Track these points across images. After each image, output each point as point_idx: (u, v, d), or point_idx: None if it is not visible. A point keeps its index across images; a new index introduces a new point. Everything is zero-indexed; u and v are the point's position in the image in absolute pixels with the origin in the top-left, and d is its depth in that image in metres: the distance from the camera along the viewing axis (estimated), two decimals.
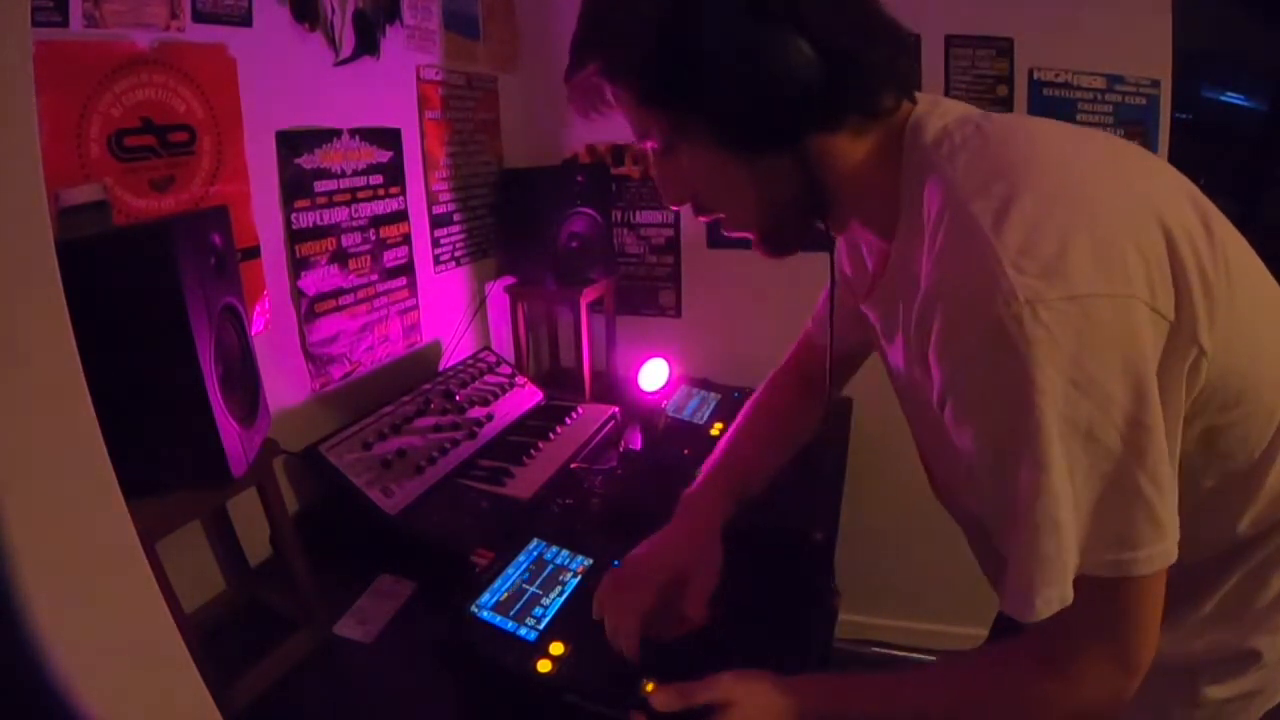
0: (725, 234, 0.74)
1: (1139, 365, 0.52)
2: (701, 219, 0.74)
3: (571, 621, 0.86)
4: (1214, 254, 0.56)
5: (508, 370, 1.68)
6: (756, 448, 0.97)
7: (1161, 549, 0.54)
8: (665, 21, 0.61)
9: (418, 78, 1.58)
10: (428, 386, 1.48)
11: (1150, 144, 1.76)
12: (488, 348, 1.78)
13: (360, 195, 1.42)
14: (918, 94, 0.68)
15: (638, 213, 2.08)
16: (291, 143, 1.25)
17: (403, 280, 1.56)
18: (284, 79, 1.23)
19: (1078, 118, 1.76)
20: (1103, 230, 0.53)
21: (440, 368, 1.66)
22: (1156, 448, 0.53)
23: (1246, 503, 0.64)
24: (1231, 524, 0.65)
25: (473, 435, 1.42)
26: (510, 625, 0.85)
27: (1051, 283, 0.51)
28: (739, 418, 1.02)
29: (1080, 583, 0.54)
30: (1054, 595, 0.54)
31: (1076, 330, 0.50)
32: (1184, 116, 1.80)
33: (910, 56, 0.68)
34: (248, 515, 1.07)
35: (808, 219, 0.72)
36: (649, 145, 0.71)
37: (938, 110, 0.65)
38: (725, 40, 0.59)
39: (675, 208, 0.75)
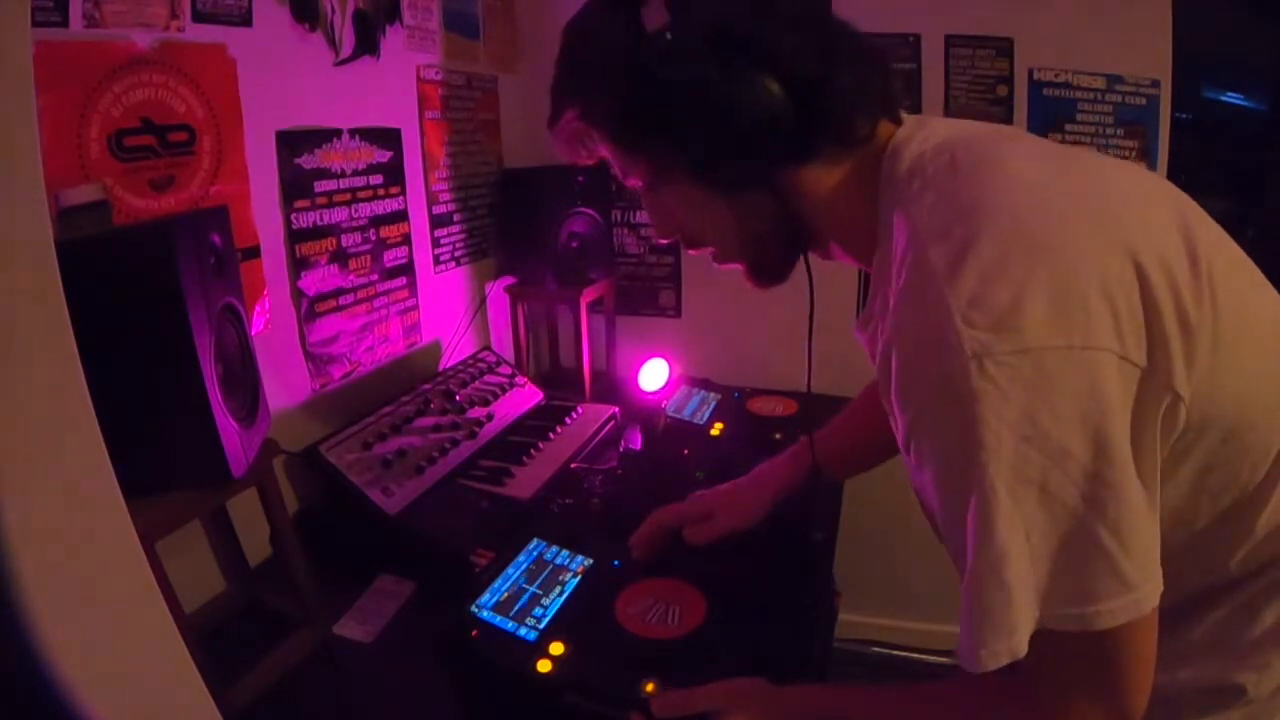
0: (717, 265, 0.75)
1: (1098, 418, 0.50)
2: (692, 252, 0.75)
3: (571, 621, 0.86)
4: (1198, 289, 0.54)
5: (508, 370, 1.68)
6: (843, 436, 1.03)
7: (1126, 601, 0.52)
8: (632, 67, 0.62)
9: (418, 78, 1.58)
10: (428, 386, 1.48)
11: (1150, 144, 1.76)
12: (488, 348, 1.78)
13: (360, 195, 1.42)
14: (906, 115, 0.67)
15: (638, 213, 2.08)
16: (291, 143, 1.25)
17: (403, 280, 1.56)
18: (284, 79, 1.23)
19: (1077, 118, 1.76)
20: (1065, 278, 0.51)
21: (440, 368, 1.66)
22: (1120, 500, 0.51)
23: (1239, 540, 0.63)
24: (1224, 560, 0.64)
25: (473, 435, 1.42)
26: (510, 625, 0.85)
27: (1001, 336, 0.49)
28: (852, 403, 1.07)
29: (1052, 636, 0.53)
30: (1001, 649, 0.53)
31: (1027, 385, 0.49)
32: (1184, 116, 1.80)
33: (886, 77, 0.67)
34: (248, 515, 1.07)
35: (791, 249, 0.73)
36: (633, 183, 0.72)
37: (919, 135, 0.63)
38: (691, 84, 0.60)
39: (664, 242, 0.77)
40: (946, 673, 1.16)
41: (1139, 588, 0.52)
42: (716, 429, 1.52)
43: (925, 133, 0.63)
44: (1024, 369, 0.49)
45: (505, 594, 0.90)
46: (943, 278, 0.52)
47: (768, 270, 0.74)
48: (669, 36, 0.60)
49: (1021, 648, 0.53)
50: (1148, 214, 0.58)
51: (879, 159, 0.64)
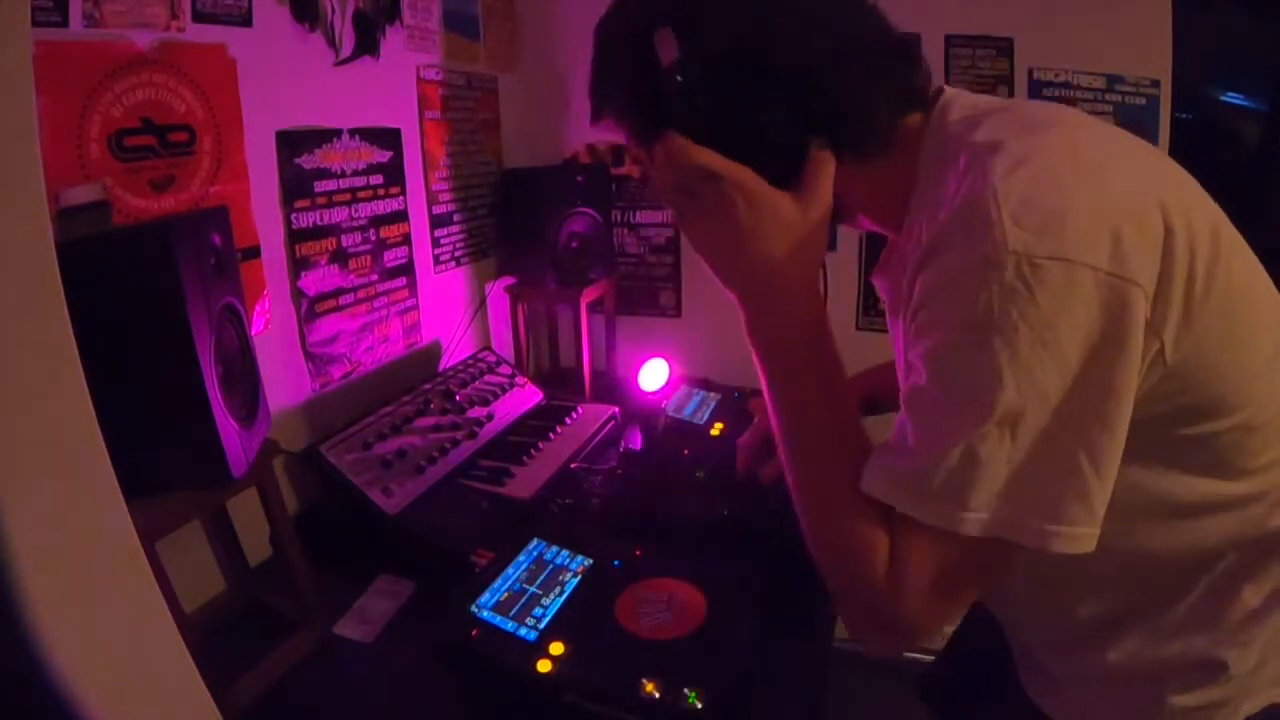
0: None
1: (1114, 347, 0.53)
2: None
3: (571, 621, 0.86)
4: (1213, 265, 0.56)
5: (508, 370, 1.67)
6: (892, 369, 1.02)
7: (1086, 532, 0.54)
8: (647, 102, 0.65)
9: (418, 78, 1.58)
10: (428, 386, 1.48)
11: (1150, 144, 1.76)
12: (488, 348, 1.78)
13: (360, 195, 1.42)
14: (946, 88, 0.69)
15: (638, 213, 2.08)
16: (291, 143, 1.25)
17: (403, 280, 1.56)
18: (284, 79, 1.23)
19: None
20: (1108, 206, 0.54)
21: (440, 368, 1.66)
22: (1109, 435, 0.54)
23: (1220, 520, 0.65)
24: (1204, 535, 0.65)
25: (473, 435, 1.42)
26: (510, 625, 0.85)
27: (1044, 240, 0.52)
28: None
29: (942, 534, 0.56)
30: (905, 499, 0.57)
31: (1055, 291, 0.51)
32: (1184, 116, 1.80)
33: (907, 66, 0.68)
34: (248, 515, 1.07)
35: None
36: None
37: (962, 98, 0.67)
38: (703, 120, 0.63)
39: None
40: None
41: (1097, 525, 0.55)
42: (716, 429, 1.52)
43: (969, 96, 0.67)
44: (1056, 275, 0.51)
45: (505, 594, 0.90)
46: (998, 178, 0.54)
47: None
48: (679, 79, 0.62)
49: (960, 525, 0.55)
50: (1185, 186, 0.61)
51: (912, 135, 0.67)
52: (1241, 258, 0.61)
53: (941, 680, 1.13)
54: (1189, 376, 0.58)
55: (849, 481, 0.62)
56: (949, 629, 0.60)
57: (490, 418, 1.49)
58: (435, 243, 1.68)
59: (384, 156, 1.48)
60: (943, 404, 0.57)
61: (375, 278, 1.48)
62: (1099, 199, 0.54)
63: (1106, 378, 0.53)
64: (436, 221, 1.67)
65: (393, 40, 1.48)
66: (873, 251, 1.88)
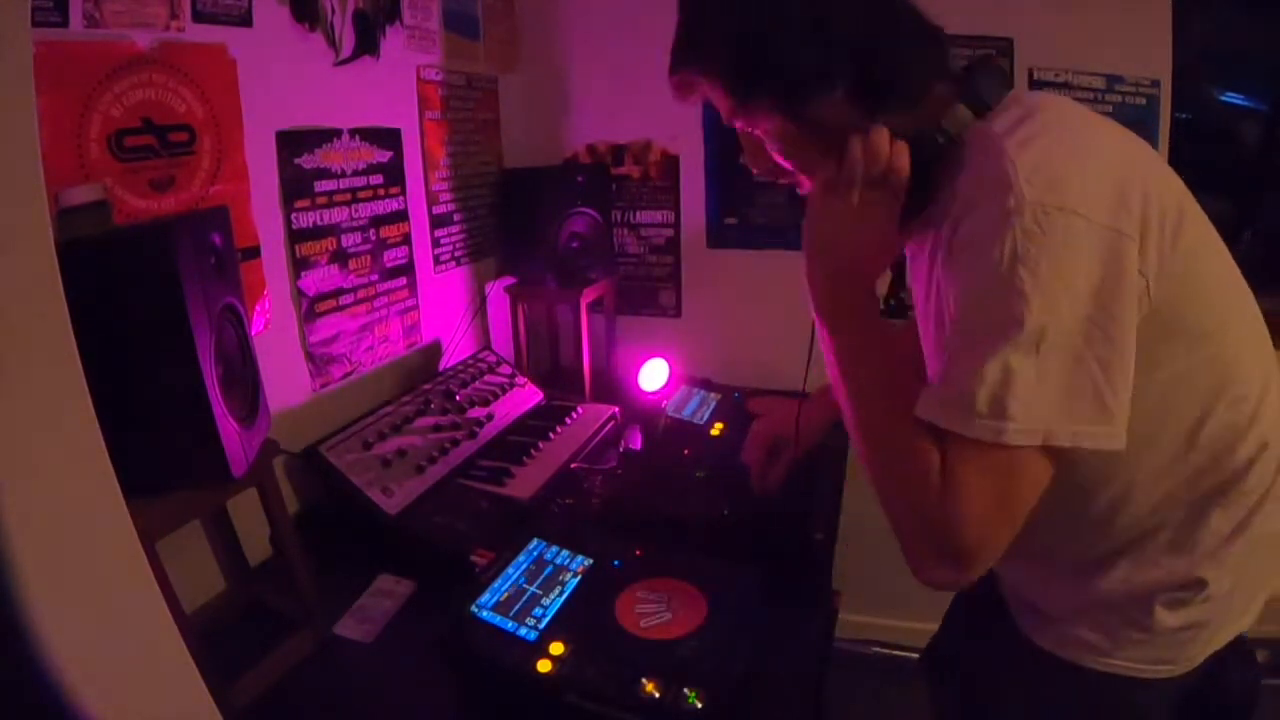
0: (800, 193, 0.88)
1: (1113, 283, 0.64)
2: (781, 182, 0.89)
3: (571, 621, 0.86)
4: (1179, 225, 0.69)
5: (508, 370, 1.68)
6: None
7: (1104, 431, 0.65)
8: (745, 37, 0.75)
9: (418, 78, 1.59)
10: (428, 386, 1.48)
11: (1150, 144, 1.76)
12: (488, 348, 1.78)
13: (360, 195, 1.42)
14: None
15: (638, 213, 2.08)
16: (291, 143, 1.25)
17: (403, 280, 1.56)
18: (284, 79, 1.23)
19: None
20: (1105, 174, 0.66)
21: (440, 368, 1.66)
22: (1116, 353, 0.65)
23: (1192, 457, 0.75)
24: (1180, 474, 0.76)
25: (473, 435, 1.42)
26: (510, 625, 0.85)
27: (1052, 195, 0.64)
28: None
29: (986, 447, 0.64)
30: (954, 417, 0.66)
31: (1064, 236, 0.63)
32: (1184, 116, 1.80)
33: (940, 46, 0.81)
34: (248, 515, 1.07)
35: None
36: (739, 126, 0.84)
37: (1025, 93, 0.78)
38: (786, 52, 0.74)
39: (758, 174, 0.89)
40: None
41: (1120, 427, 0.65)
42: (716, 429, 1.52)
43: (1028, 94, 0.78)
44: (1063, 221, 0.63)
45: (505, 594, 0.90)
46: (1013, 152, 0.66)
47: None
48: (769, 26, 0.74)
49: (1003, 436, 0.64)
50: (1155, 161, 0.75)
51: (947, 105, 0.77)
52: (1198, 220, 0.74)
53: (941, 650, 1.20)
54: (1166, 313, 0.69)
55: (903, 414, 0.71)
56: (994, 559, 0.68)
57: (490, 418, 1.49)
58: (435, 243, 1.68)
59: (384, 156, 1.48)
60: (978, 332, 0.66)
61: (375, 278, 1.48)
62: (1095, 168, 0.67)
63: (1111, 306, 0.64)
64: (436, 221, 1.67)
65: (393, 40, 1.48)
66: None
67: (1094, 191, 0.65)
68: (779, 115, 0.78)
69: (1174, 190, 0.72)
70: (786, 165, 0.84)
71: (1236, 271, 0.80)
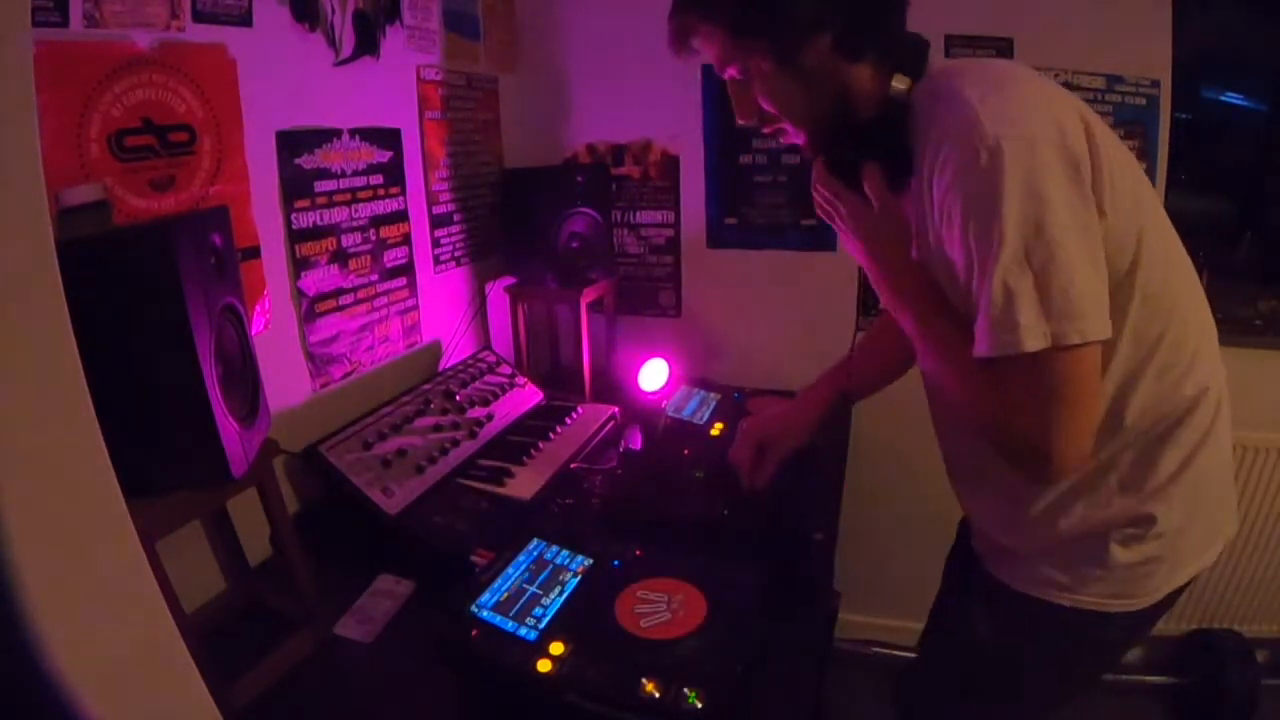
0: (783, 141, 0.97)
1: (1075, 198, 0.72)
2: (766, 130, 0.94)
3: (571, 621, 0.86)
4: (1115, 160, 0.77)
5: (508, 370, 1.68)
6: (865, 360, 1.21)
7: (1102, 323, 0.72)
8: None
9: (418, 78, 1.59)
10: (428, 386, 1.48)
11: (1150, 144, 1.76)
12: (488, 348, 1.78)
13: (360, 195, 1.42)
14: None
15: (638, 213, 2.08)
16: (291, 143, 1.25)
17: (403, 280, 1.56)
18: (284, 79, 1.23)
19: None
20: (1052, 110, 0.76)
21: (440, 368, 1.66)
22: (1090, 259, 0.72)
23: (1141, 396, 0.83)
24: (1130, 414, 0.84)
25: (473, 435, 1.42)
26: (510, 625, 0.85)
27: (1013, 128, 0.72)
28: (869, 334, 1.28)
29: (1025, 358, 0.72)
30: (983, 346, 0.74)
31: (1028, 153, 0.71)
32: (1184, 116, 1.79)
33: (905, 6, 0.89)
34: (248, 515, 1.07)
35: (842, 132, 0.90)
36: (730, 74, 0.91)
37: (939, 59, 0.90)
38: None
39: (743, 123, 0.96)
40: None
41: (1107, 317, 0.73)
42: (716, 429, 1.52)
43: (948, 60, 0.88)
44: (1025, 146, 0.72)
45: (505, 594, 0.90)
46: (977, 103, 0.75)
47: (823, 144, 0.93)
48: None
49: (1021, 345, 0.72)
50: (1097, 120, 0.82)
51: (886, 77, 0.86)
52: (1140, 178, 0.83)
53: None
54: (1112, 246, 0.76)
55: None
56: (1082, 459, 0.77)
57: (490, 418, 1.49)
58: (435, 243, 1.68)
59: (384, 156, 1.48)
60: (978, 264, 0.74)
61: (375, 278, 1.48)
62: (1045, 106, 0.76)
63: (1080, 216, 0.72)
64: (436, 221, 1.67)
65: (393, 40, 1.48)
66: None
67: (1049, 122, 0.74)
68: (770, 59, 0.85)
69: (1110, 134, 0.81)
70: (772, 111, 0.91)
71: (1170, 226, 0.88)
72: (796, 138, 0.94)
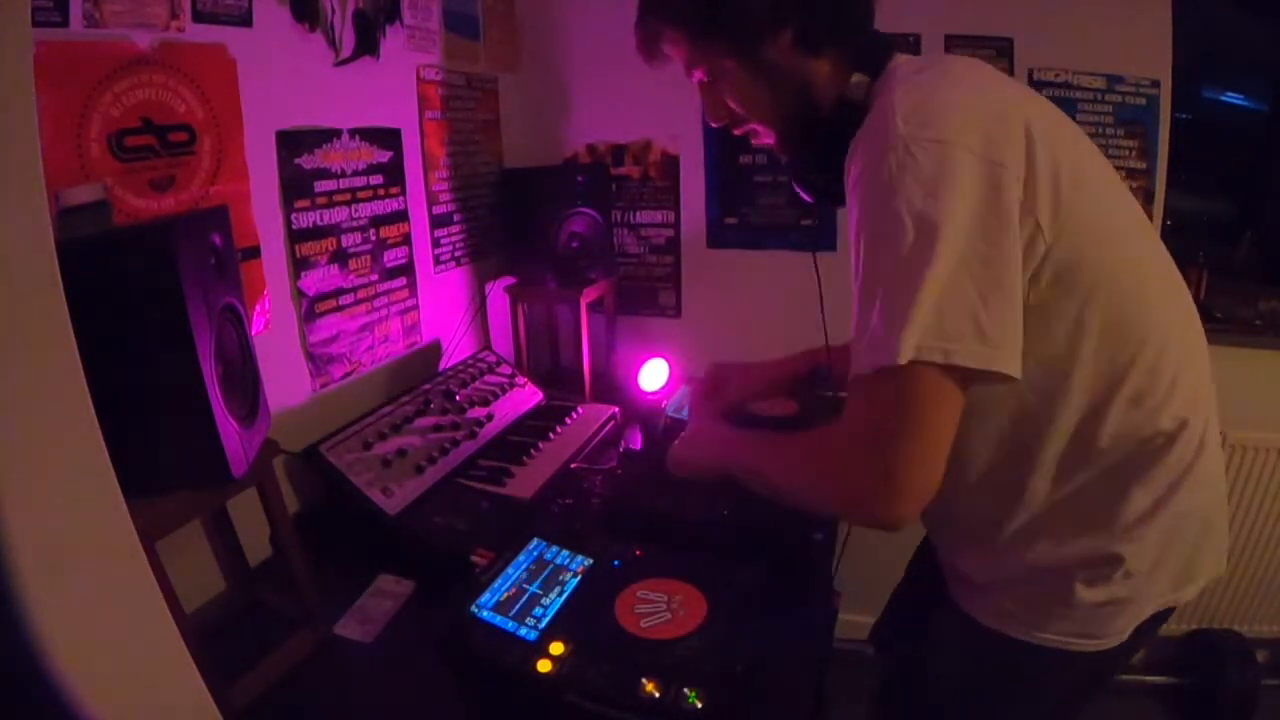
0: (754, 144, 0.96)
1: (993, 218, 0.67)
2: (736, 132, 0.94)
3: (571, 621, 0.86)
4: (1078, 171, 0.73)
5: (508, 370, 1.68)
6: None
7: (981, 351, 0.66)
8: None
9: (418, 78, 1.59)
10: (428, 386, 1.48)
11: (1150, 144, 1.76)
12: (488, 348, 1.78)
13: (360, 195, 1.42)
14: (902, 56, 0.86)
15: (638, 213, 2.09)
16: (291, 143, 1.25)
17: (403, 280, 1.56)
18: (284, 79, 1.23)
19: (1077, 117, 1.76)
20: (978, 110, 0.72)
21: (440, 368, 1.66)
22: (997, 271, 0.67)
23: (1110, 418, 0.78)
24: (1094, 439, 0.79)
25: (473, 435, 1.42)
26: (510, 625, 0.85)
27: (925, 129, 0.69)
28: None
29: (880, 376, 0.68)
30: (865, 358, 0.69)
31: (936, 162, 0.67)
32: (1184, 116, 1.80)
33: (870, 16, 0.88)
34: (248, 515, 1.07)
35: (810, 130, 0.88)
36: (697, 77, 0.91)
37: (900, 57, 0.86)
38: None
39: (715, 125, 0.95)
40: None
41: (1000, 349, 0.67)
42: None
43: (905, 56, 0.87)
44: (934, 152, 0.68)
45: (505, 594, 0.90)
46: (896, 103, 0.72)
47: (793, 143, 0.92)
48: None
49: (896, 358, 0.66)
50: (1053, 116, 0.79)
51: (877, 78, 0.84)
52: (1112, 189, 0.81)
53: (887, 623, 1.32)
54: (1064, 261, 0.72)
55: (794, 450, 0.83)
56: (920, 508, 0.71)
57: (490, 418, 1.49)
58: (435, 243, 1.68)
59: (384, 156, 1.48)
60: (870, 266, 0.71)
61: (375, 278, 1.48)
62: (972, 107, 0.72)
63: (995, 239, 0.67)
64: (436, 221, 1.67)
65: (393, 40, 1.48)
66: None
67: (970, 126, 0.69)
68: (733, 59, 0.85)
69: (1072, 140, 0.78)
70: (740, 111, 0.90)
71: (1159, 244, 0.84)
72: (767, 138, 0.93)
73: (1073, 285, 0.73)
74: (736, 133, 0.94)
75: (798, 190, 1.00)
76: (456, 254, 1.76)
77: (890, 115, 0.71)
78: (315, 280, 1.33)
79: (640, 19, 0.91)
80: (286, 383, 1.28)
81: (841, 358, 1.15)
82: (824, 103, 0.87)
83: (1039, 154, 0.70)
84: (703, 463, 0.99)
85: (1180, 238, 1.83)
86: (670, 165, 2.03)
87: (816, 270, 1.18)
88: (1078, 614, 0.82)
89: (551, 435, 1.48)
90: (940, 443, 0.69)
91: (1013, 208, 0.68)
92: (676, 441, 1.06)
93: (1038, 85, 1.76)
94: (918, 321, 0.66)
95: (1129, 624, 0.83)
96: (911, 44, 1.78)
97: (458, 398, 1.49)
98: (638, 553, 0.99)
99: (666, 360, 1.77)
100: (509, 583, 0.92)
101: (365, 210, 1.44)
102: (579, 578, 0.94)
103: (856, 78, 0.84)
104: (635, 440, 1.54)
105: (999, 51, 1.75)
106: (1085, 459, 0.79)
